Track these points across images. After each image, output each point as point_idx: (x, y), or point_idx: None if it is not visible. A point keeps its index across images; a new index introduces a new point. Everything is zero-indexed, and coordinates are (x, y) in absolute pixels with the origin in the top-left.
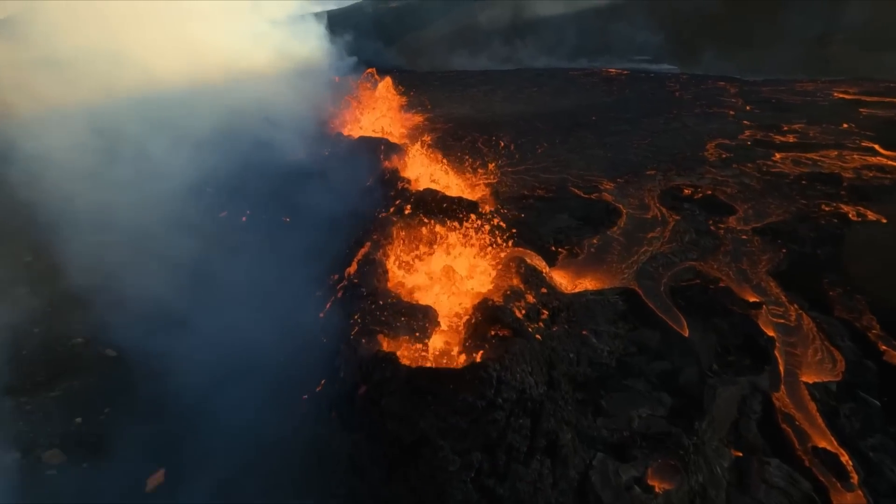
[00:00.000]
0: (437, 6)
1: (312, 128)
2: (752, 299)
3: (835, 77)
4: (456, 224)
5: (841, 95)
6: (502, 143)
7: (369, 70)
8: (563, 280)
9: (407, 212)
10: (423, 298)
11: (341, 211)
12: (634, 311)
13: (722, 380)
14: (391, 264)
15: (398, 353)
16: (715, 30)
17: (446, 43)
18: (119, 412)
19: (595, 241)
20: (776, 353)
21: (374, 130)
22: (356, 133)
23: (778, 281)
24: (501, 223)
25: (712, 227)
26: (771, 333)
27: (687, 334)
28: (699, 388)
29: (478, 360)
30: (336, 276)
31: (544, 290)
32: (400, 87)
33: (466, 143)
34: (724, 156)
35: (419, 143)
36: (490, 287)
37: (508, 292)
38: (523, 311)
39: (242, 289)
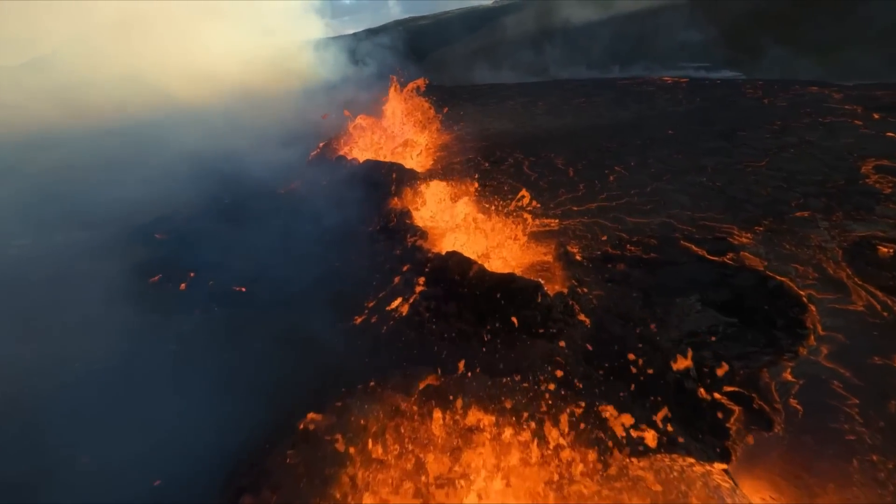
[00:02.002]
0: (466, 20)
1: (311, 150)
2: None
3: None
4: (508, 377)
5: None
6: (557, 167)
7: (391, 91)
8: None
9: (417, 291)
10: None
11: (310, 287)
12: None
13: None
14: None
15: None
16: (776, 31)
17: (476, 56)
18: None
19: (788, 374)
20: None
21: (387, 152)
22: (365, 155)
23: None
24: (585, 345)
25: None
26: None
27: None
28: None
29: None
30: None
31: None
32: (426, 100)
33: (508, 168)
34: None
35: (445, 168)
36: None
37: None
38: None
39: None
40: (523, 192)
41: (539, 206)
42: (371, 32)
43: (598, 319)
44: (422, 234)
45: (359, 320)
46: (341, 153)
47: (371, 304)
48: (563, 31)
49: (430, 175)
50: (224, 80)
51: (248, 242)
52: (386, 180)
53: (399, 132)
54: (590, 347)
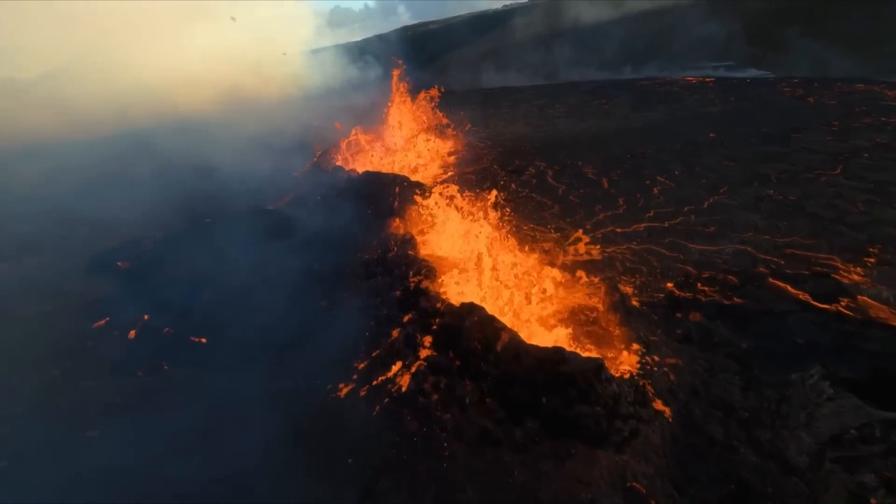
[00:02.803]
0: (475, 23)
1: (308, 160)
2: None
3: None
4: None
5: None
6: (588, 177)
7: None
8: None
9: (422, 355)
10: None
11: (287, 337)
12: None
13: None
14: None
15: None
16: (802, 26)
17: (485, 59)
18: None
19: None
20: None
21: (391, 163)
22: (365, 165)
23: None
24: (671, 459)
25: None
26: None
27: None
28: None
29: None
30: None
31: None
32: (436, 105)
33: (530, 179)
34: None
35: (458, 180)
36: None
37: None
38: None
39: None
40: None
41: (572, 226)
42: (378, 38)
43: (682, 409)
44: (428, 270)
45: (344, 391)
46: (338, 163)
47: (362, 367)
48: (574, 32)
49: (439, 190)
50: (224, 86)
51: (221, 274)
52: (387, 196)
53: (405, 147)
54: (679, 462)
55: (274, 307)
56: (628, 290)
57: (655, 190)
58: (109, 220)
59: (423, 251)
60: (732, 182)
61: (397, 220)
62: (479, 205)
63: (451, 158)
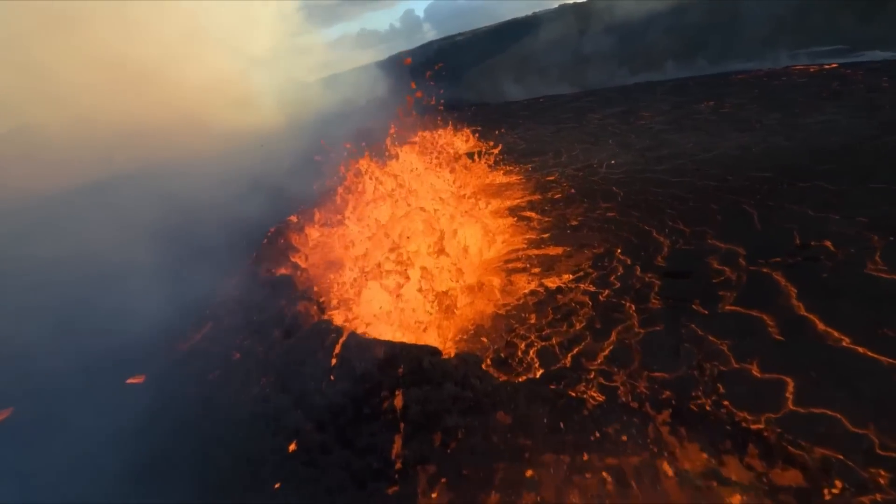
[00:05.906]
0: (505, 33)
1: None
2: None
3: None
4: None
5: None
6: None
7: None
8: None
9: None
10: None
11: None
12: None
13: None
14: None
15: None
16: None
17: (522, 67)
18: None
19: None
20: None
21: (389, 267)
22: (340, 266)
23: None
24: None
25: None
26: None
27: None
28: None
29: None
30: None
31: None
32: (471, 129)
33: (745, 323)
34: None
35: (561, 334)
36: None
37: None
38: None
39: None
40: None
41: None
42: (399, 57)
43: None
44: None
45: None
46: (297, 256)
47: None
48: (617, 28)
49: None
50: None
51: None
52: (375, 452)
53: (420, 188)
54: None
55: None
56: None
57: None
58: None
59: None
60: None
61: None
62: None
63: (518, 239)
